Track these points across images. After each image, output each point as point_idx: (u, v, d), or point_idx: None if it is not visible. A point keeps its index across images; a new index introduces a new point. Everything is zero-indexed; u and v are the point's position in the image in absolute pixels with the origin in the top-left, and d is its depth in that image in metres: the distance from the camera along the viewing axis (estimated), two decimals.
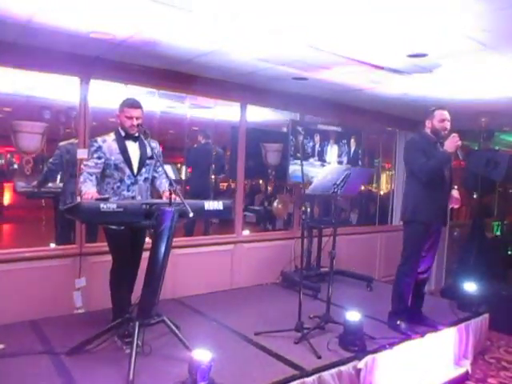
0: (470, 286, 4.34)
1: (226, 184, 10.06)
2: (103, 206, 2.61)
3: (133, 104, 3.17)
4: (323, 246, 4.98)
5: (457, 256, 6.46)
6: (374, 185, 9.66)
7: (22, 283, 3.55)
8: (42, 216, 6.34)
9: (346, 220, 7.24)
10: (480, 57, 3.31)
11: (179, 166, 6.83)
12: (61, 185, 4.55)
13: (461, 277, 5.12)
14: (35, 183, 4.56)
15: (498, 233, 7.21)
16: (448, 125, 3.49)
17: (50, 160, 4.36)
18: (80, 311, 3.79)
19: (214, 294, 4.56)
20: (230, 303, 4.30)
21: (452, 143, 3.35)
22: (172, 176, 5.92)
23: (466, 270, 5.52)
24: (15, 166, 12.55)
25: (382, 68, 3.77)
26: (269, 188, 9.50)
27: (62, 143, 4.38)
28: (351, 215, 8.70)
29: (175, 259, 4.23)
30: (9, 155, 13.31)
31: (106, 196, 2.91)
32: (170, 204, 2.76)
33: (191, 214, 2.64)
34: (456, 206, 3.72)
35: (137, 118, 3.14)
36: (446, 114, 3.50)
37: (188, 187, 6.14)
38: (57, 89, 4.62)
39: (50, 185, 4.77)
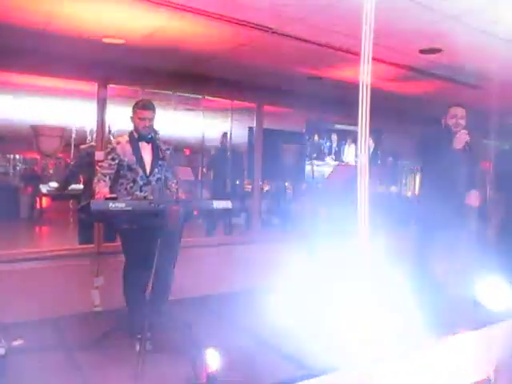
0: (497, 290, 4.17)
1: (251, 186, 10.03)
2: (112, 204, 2.67)
3: (145, 105, 3.22)
4: None
5: (485, 259, 6.22)
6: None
7: (41, 281, 3.64)
8: (68, 217, 6.49)
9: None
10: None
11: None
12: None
13: (489, 280, 4.93)
14: (57, 185, 4.72)
15: None
16: (461, 122, 3.38)
17: (72, 163, 4.51)
18: (97, 309, 3.88)
19: (230, 294, 4.57)
20: (246, 304, 4.29)
21: (459, 139, 3.26)
22: (191, 177, 6.00)
23: (495, 274, 5.32)
24: (50, 172, 13.10)
25: (396, 66, 3.71)
26: (288, 189, 9.44)
27: (83, 146, 4.52)
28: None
29: (193, 258, 4.27)
30: (44, 161, 13.79)
31: (114, 195, 2.97)
32: (176, 202, 2.80)
33: (196, 212, 2.67)
34: (475, 205, 3.58)
35: (149, 120, 3.20)
36: (457, 111, 3.41)
37: (207, 189, 6.19)
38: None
39: (73, 187, 4.92)
